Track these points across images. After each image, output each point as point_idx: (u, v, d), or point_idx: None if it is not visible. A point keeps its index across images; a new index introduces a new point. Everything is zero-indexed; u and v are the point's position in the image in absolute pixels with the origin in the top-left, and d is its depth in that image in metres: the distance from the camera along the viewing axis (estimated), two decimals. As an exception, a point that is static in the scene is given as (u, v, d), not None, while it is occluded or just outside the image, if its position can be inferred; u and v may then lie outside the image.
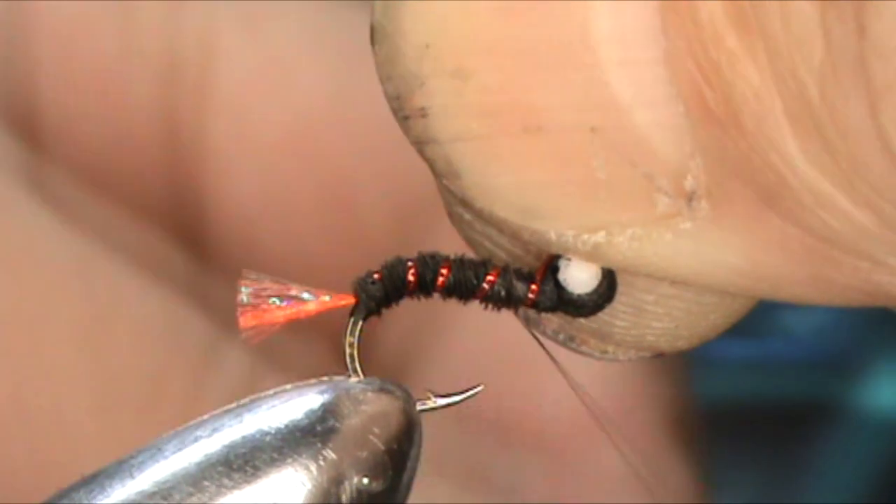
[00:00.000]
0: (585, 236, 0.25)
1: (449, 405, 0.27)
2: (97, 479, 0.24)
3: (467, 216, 0.28)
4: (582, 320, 0.29)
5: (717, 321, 0.29)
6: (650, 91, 0.24)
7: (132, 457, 0.25)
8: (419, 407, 0.27)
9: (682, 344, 0.29)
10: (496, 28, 0.24)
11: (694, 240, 0.25)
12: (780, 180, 0.23)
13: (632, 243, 0.25)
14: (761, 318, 0.65)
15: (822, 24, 0.21)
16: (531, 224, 0.25)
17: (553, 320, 0.29)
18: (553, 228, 0.25)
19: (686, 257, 0.25)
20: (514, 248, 0.28)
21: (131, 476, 0.24)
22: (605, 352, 0.29)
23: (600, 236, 0.25)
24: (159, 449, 0.25)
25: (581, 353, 0.30)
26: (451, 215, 0.29)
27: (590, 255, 0.26)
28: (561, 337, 0.29)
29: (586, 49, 0.24)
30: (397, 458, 0.25)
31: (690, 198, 0.24)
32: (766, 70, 0.22)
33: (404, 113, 0.25)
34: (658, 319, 0.28)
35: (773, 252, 0.25)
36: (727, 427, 0.60)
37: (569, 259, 0.27)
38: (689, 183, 0.24)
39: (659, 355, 0.30)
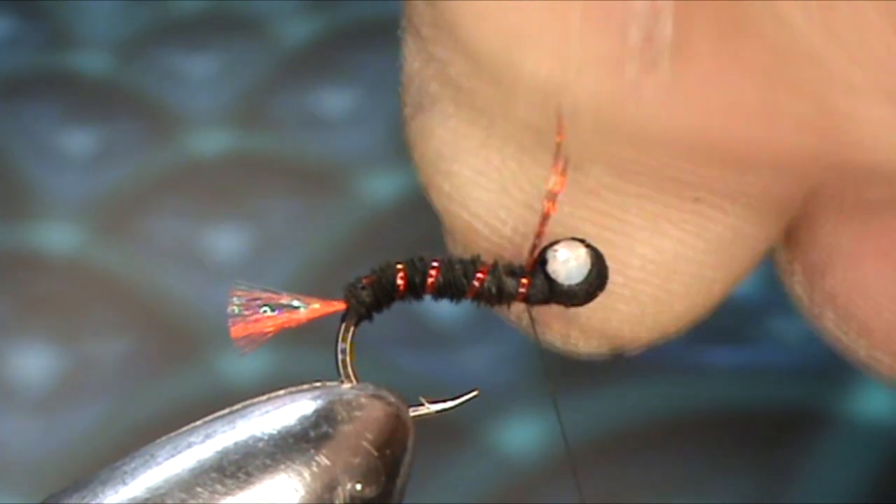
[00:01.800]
0: (557, 73, 0.25)
1: (443, 411, 0.27)
2: (89, 485, 0.24)
3: (446, 187, 0.27)
4: None
5: (681, 313, 0.29)
6: None
7: (125, 463, 0.25)
8: (412, 413, 0.27)
9: (644, 335, 0.29)
10: None
11: (658, 100, 0.25)
12: None
13: (599, 89, 0.25)
14: (751, 324, 0.65)
15: None
16: (509, 54, 0.25)
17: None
18: (529, 59, 0.25)
19: (649, 119, 0.25)
20: (493, 237, 0.28)
21: (124, 482, 0.24)
22: (568, 338, 0.29)
23: (570, 75, 0.25)
24: (152, 455, 0.24)
25: (543, 340, 0.29)
26: (430, 187, 0.28)
27: (557, 95, 0.25)
28: (524, 321, 0.29)
29: None
30: (390, 463, 0.25)
31: (655, 49, 0.24)
32: None
33: None
34: (625, 302, 0.28)
35: (728, 81, 0.24)
36: (717, 434, 0.61)
37: (556, 251, 0.27)
38: (657, 31, 0.24)
39: (619, 353, 0.30)
